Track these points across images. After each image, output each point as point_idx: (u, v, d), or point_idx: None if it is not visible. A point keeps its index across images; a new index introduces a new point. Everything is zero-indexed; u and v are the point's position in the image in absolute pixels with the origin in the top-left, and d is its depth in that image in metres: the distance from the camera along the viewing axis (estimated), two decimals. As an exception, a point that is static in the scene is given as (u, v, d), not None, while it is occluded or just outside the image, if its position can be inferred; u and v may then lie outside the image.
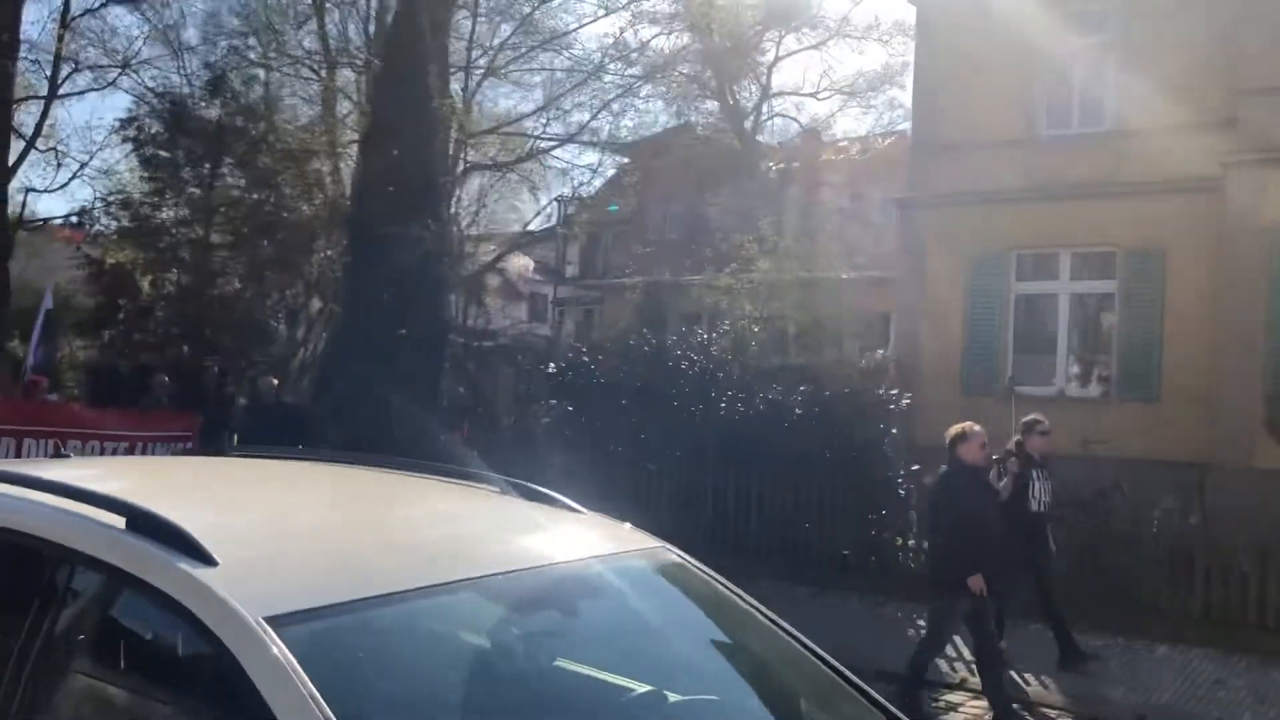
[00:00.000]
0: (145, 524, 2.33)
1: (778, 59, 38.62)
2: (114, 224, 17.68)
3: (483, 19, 23.79)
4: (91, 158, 20.04)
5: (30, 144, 20.15)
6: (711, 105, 38.88)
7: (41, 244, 21.01)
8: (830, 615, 9.89)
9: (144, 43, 20.37)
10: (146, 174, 17.51)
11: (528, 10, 23.53)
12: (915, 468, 11.37)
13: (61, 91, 20.05)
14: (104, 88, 19.59)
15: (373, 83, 16.52)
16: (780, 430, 11.18)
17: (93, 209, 18.52)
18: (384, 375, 13.79)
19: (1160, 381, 16.00)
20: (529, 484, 3.36)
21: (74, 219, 20.01)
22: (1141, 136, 15.55)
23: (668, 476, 11.88)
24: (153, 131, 17.04)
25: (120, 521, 2.37)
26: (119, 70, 19.84)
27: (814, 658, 2.93)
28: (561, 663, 2.61)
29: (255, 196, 16.82)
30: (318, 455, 4.06)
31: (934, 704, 7.55)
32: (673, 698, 2.78)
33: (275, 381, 14.02)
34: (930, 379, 17.59)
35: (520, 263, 56.64)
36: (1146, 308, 16.21)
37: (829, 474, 11.05)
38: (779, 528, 11.25)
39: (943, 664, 8.56)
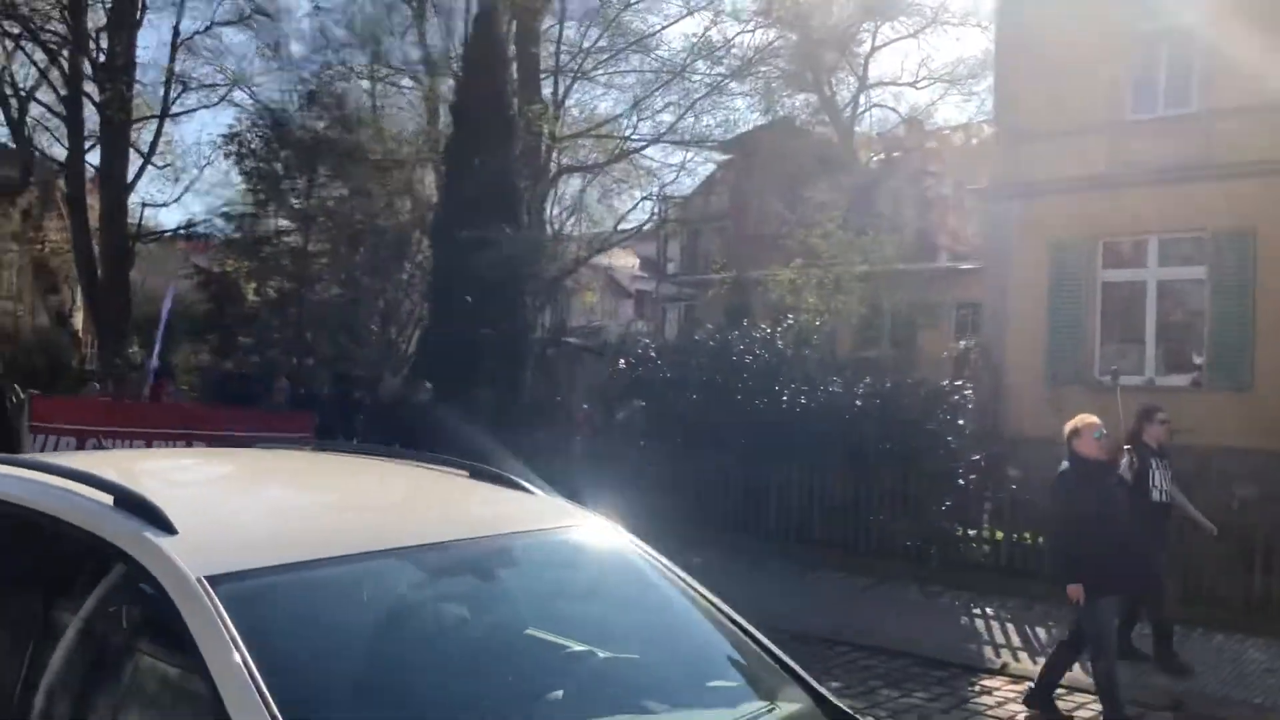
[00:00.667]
0: (128, 501, 2.79)
1: (874, 49, 38.34)
2: (221, 234, 18.78)
3: (571, 24, 24.34)
4: (200, 173, 21.28)
5: (147, 160, 21.47)
6: (809, 98, 38.86)
7: (159, 255, 22.31)
8: (886, 605, 10.08)
9: (250, 60, 21.56)
10: (249, 186, 18.55)
11: (614, 14, 23.97)
12: (976, 458, 11.44)
13: (174, 110, 21.34)
14: (214, 105, 20.82)
15: (454, 93, 17.17)
16: (840, 422, 11.38)
17: (201, 221, 19.67)
18: (468, 374, 14.37)
19: (1253, 368, 15.63)
20: (493, 469, 3.76)
21: (183, 231, 21.26)
22: (1230, 117, 15.25)
23: (732, 469, 12.18)
24: (253, 146, 18.04)
25: (109, 499, 2.84)
26: (227, 88, 21.01)
27: (731, 624, 3.24)
28: (484, 622, 3.00)
29: (350, 205, 17.65)
30: (336, 447, 4.54)
31: (970, 687, 7.71)
32: (600, 654, 3.15)
33: (396, 382, 14.33)
34: (1015, 369, 17.51)
35: (626, 261, 57.36)
36: (1237, 293, 15.86)
37: (889, 465, 11.21)
38: (840, 519, 11.45)
39: (986, 650, 8.70)
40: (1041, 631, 9.28)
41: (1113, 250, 17.41)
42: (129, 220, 21.81)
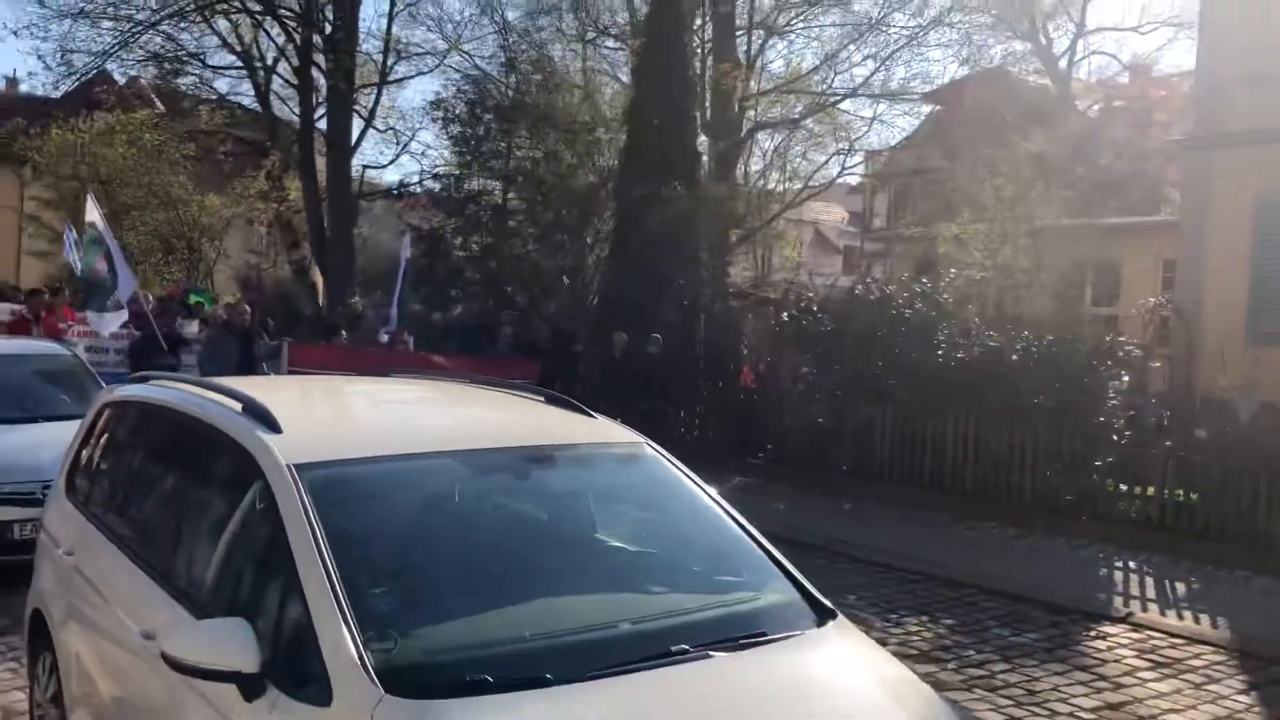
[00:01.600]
0: (251, 408, 3.65)
1: (1101, -12, 36.76)
2: (430, 194, 20.26)
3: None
4: (412, 137, 22.88)
5: (368, 124, 23.28)
6: (1023, 46, 37.61)
7: (380, 212, 24.16)
8: (1026, 555, 10.27)
9: (467, 25, 22.96)
10: (454, 149, 19.91)
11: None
12: (1156, 417, 11.32)
13: (391, 77, 23.01)
14: (429, 71, 22.39)
15: (633, 58, 17.87)
16: (996, 376, 11.52)
17: (413, 182, 21.24)
18: (645, 325, 15.11)
19: None
20: (562, 395, 4.46)
21: (395, 190, 22.93)
22: None
23: (888, 419, 12.50)
24: (457, 111, 19.32)
25: (239, 407, 3.71)
26: (440, 55, 22.46)
27: (743, 532, 3.83)
28: (522, 514, 3.72)
29: (544, 166, 18.72)
30: (456, 377, 5.37)
31: (1085, 632, 7.92)
32: (631, 548, 3.83)
33: (625, 337, 14.65)
34: (1212, 328, 16.86)
35: (836, 216, 56.99)
36: None
37: (1044, 420, 11.28)
38: (993, 471, 11.62)
39: (1116, 600, 8.83)
40: (1181, 586, 9.30)
41: (1323, 201, 16.45)
42: (353, 180, 23.68)
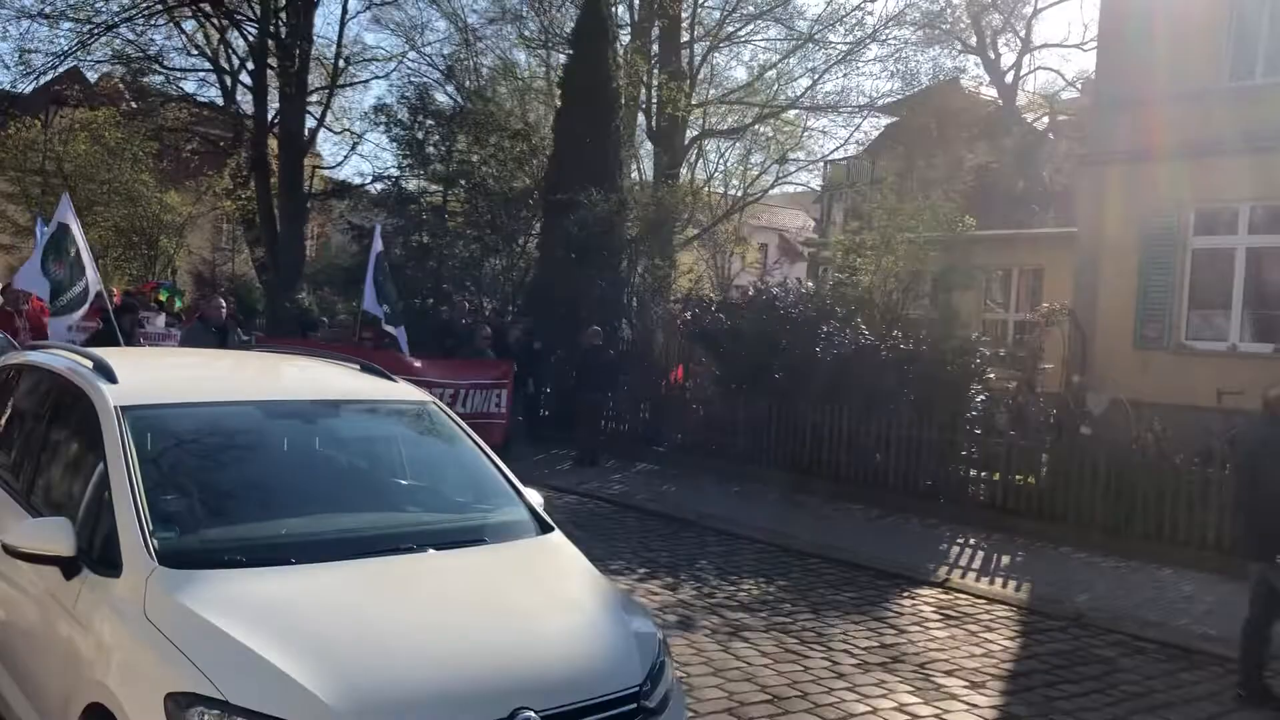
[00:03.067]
0: (99, 366, 4.62)
1: (1037, 11, 38.03)
2: (372, 193, 21.24)
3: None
4: (360, 138, 23.84)
5: (319, 126, 24.24)
6: (968, 60, 38.93)
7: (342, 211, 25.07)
8: (878, 532, 11.32)
9: (420, 31, 23.93)
10: (397, 151, 20.87)
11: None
12: (1026, 412, 12.37)
13: (341, 82, 23.96)
14: (384, 76, 23.37)
15: (562, 70, 18.89)
16: (867, 371, 12.55)
17: (357, 185, 22.21)
18: (569, 323, 16.09)
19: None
20: (374, 365, 5.45)
21: (339, 190, 23.84)
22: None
23: (773, 411, 13.53)
24: (399, 116, 20.27)
25: (90, 365, 4.68)
26: (397, 59, 23.44)
27: (494, 467, 4.82)
28: (308, 449, 4.71)
29: (481, 170, 19.69)
30: (300, 351, 6.34)
31: (900, 592, 8.93)
32: (402, 481, 4.82)
33: (598, 330, 15.17)
34: (1104, 332, 17.94)
35: (801, 222, 58.15)
36: (1322, 260, 15.91)
37: (907, 412, 12.32)
38: (861, 458, 12.66)
39: (941, 569, 9.85)
40: (1006, 558, 10.34)
41: (1203, 218, 17.56)
42: (304, 181, 24.59)
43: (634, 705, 3.67)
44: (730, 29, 26.47)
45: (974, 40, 38.52)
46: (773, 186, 28.74)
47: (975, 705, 6.19)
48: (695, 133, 27.95)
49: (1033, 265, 24.16)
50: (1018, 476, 11.63)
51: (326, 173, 26.30)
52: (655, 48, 26.03)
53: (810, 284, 13.91)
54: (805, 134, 28.68)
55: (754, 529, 11.07)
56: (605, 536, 10.44)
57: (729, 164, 29.25)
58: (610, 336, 16.34)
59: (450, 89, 20.83)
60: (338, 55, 23.93)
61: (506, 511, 4.65)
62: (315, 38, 24.37)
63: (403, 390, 5.20)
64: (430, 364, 13.27)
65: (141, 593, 3.63)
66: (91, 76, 30.80)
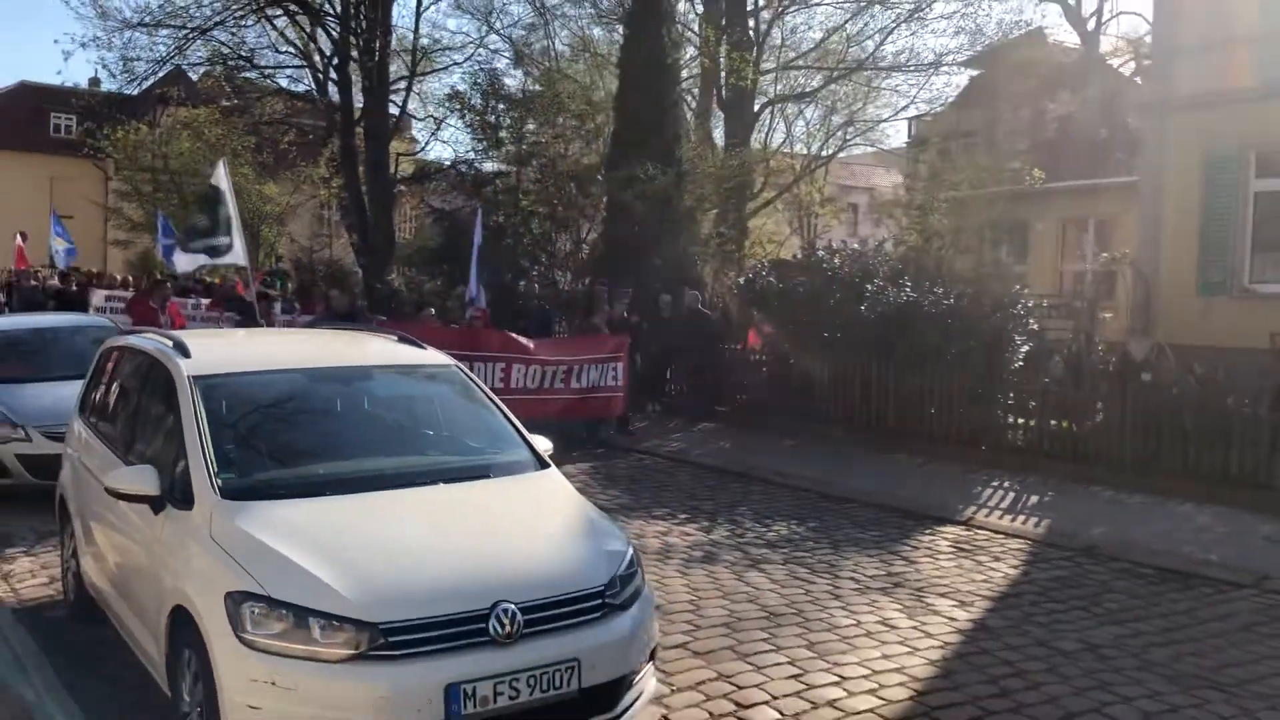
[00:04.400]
0: (176, 344, 5.65)
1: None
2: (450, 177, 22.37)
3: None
4: (439, 126, 24.99)
5: (401, 115, 25.39)
6: (1053, 9, 38.41)
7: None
8: (918, 478, 11.94)
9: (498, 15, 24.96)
10: (472, 136, 21.94)
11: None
12: (1082, 361, 12.83)
13: (420, 71, 25.11)
14: (447, 67, 24.49)
15: (620, 49, 19.65)
16: (910, 326, 13.13)
17: (436, 170, 23.36)
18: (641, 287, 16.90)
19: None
20: (409, 336, 6.38)
21: (420, 176, 25.04)
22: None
23: (822, 368, 14.20)
24: (472, 102, 21.30)
25: (171, 344, 5.71)
26: (463, 49, 24.47)
27: (505, 419, 5.72)
28: (356, 406, 5.67)
29: (551, 150, 20.63)
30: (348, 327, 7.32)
31: (922, 531, 9.61)
32: (425, 431, 5.76)
33: (668, 298, 15.68)
34: (1167, 281, 18.11)
35: (891, 180, 58.03)
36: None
37: (950, 364, 12.89)
38: (907, 409, 13.27)
39: (967, 509, 10.47)
40: (1034, 498, 10.90)
41: (1265, 160, 17.54)
42: (389, 167, 25.88)
43: (599, 601, 4.54)
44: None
45: (1055, -11, 38.09)
46: (840, 150, 28.95)
47: (954, 619, 6.90)
48: (766, 99, 28.43)
49: (1108, 214, 24.17)
50: (1053, 421, 12.13)
51: (414, 157, 27.44)
52: (723, 20, 26.56)
53: (887, 242, 14.38)
54: (876, 93, 28.83)
55: (799, 478, 11.80)
56: (656, 488, 11.32)
57: (799, 128, 29.60)
58: (675, 304, 17.06)
59: (519, 72, 21.70)
60: (415, 47, 25.09)
61: (511, 453, 5.55)
62: (396, 28, 25.58)
63: (430, 356, 6.12)
64: (543, 343, 13.80)
65: (208, 520, 4.62)
66: (194, 75, 32.62)
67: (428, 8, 24.90)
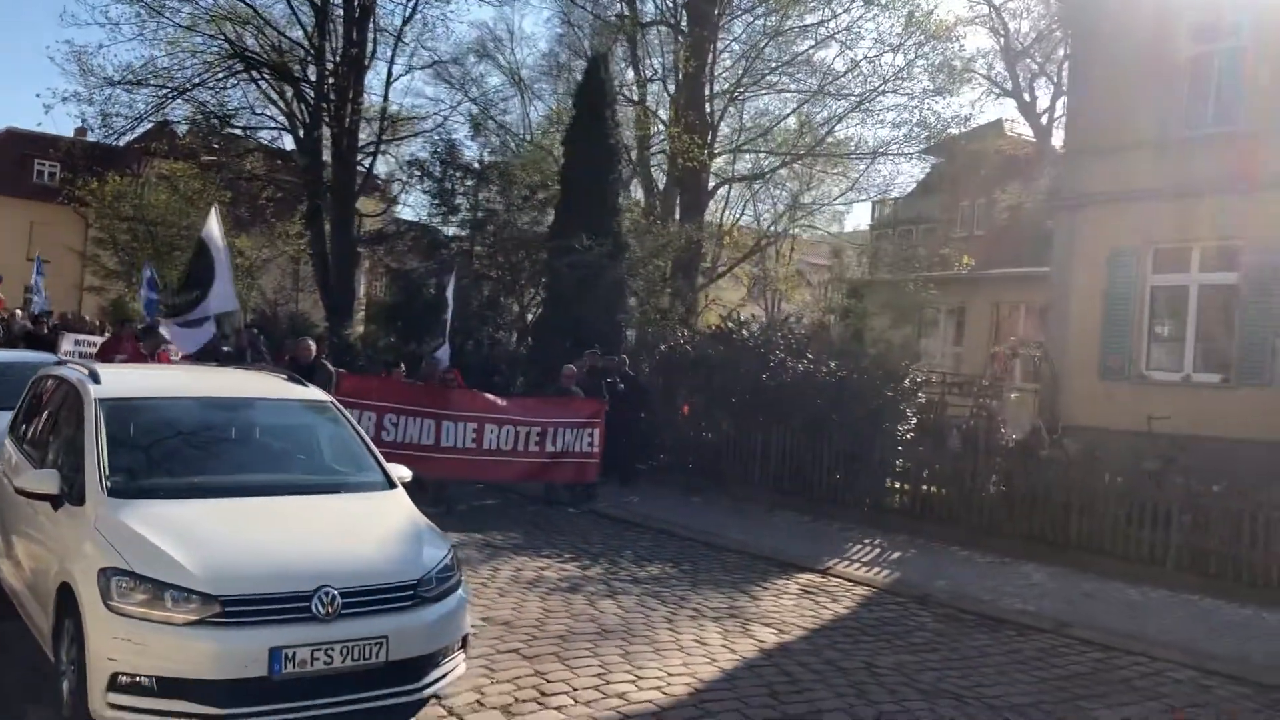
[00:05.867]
0: (91, 373, 6.71)
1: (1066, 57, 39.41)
2: (410, 240, 23.63)
3: (725, 55, 27.72)
4: (400, 191, 26.33)
5: (366, 178, 26.68)
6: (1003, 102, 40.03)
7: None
8: (802, 534, 12.96)
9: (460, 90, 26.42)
10: (430, 202, 23.21)
11: (763, 43, 27.16)
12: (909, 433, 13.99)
13: (385, 138, 26.51)
14: (408, 137, 25.90)
15: (566, 129, 21.03)
16: (807, 395, 14.26)
17: (393, 234, 24.67)
18: (570, 355, 17.97)
19: (1276, 368, 16.85)
20: (295, 375, 7.44)
21: (379, 237, 26.27)
22: (1270, 135, 16.52)
23: (731, 430, 15.28)
24: (431, 170, 22.59)
25: (88, 372, 6.76)
26: (433, 119, 25.87)
27: (367, 449, 6.76)
28: (237, 429, 6.71)
29: (502, 217, 21.88)
30: (249, 367, 8.38)
31: (782, 576, 10.59)
32: (294, 454, 6.80)
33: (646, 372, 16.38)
34: (1073, 365, 19.32)
35: (844, 260, 59.61)
36: (1266, 299, 17.10)
37: (840, 431, 13.99)
38: (799, 471, 14.36)
39: (831, 560, 11.48)
40: (897, 554, 11.93)
41: (1161, 257, 18.84)
42: (353, 227, 27.09)
43: (410, 592, 5.56)
44: (742, 87, 28.37)
45: (1010, 85, 40.01)
46: (787, 230, 30.25)
47: (763, 642, 7.91)
48: (721, 178, 29.87)
49: (1040, 300, 25.54)
50: (925, 487, 13.23)
51: (378, 217, 28.63)
52: (672, 105, 28.15)
53: (796, 318, 15.52)
54: (822, 178, 30.29)
55: (690, 529, 12.81)
56: (553, 531, 12.30)
57: (764, 205, 30.98)
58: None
59: (477, 142, 23.05)
60: (383, 114, 26.44)
61: (365, 475, 6.60)
62: (369, 95, 26.93)
63: (310, 392, 7.19)
64: (516, 402, 13.86)
65: (94, 513, 5.63)
66: (182, 129, 33.90)
67: (398, 79, 26.16)
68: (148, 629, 5.06)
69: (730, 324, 16.14)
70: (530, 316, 21.38)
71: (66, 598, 5.43)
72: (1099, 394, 18.36)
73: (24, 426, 7.70)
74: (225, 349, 14.43)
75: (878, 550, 12.16)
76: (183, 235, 32.34)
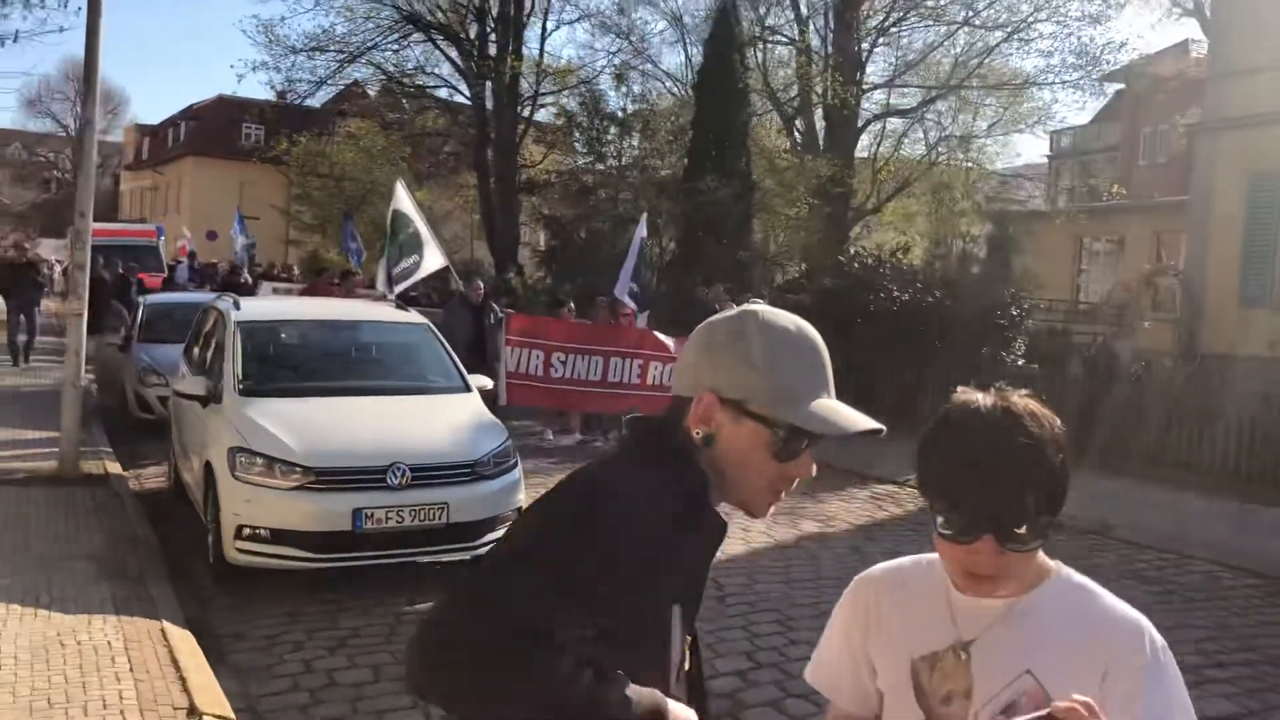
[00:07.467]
0: (235, 303, 8.36)
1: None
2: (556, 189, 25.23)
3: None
4: (550, 149, 27.88)
5: (525, 130, 28.42)
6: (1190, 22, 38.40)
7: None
8: (890, 452, 13.75)
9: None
10: (580, 150, 24.62)
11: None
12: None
13: (542, 90, 28.11)
14: (567, 89, 27.39)
15: (696, 74, 21.95)
16: (911, 325, 14.99)
17: (544, 182, 26.28)
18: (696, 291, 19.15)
19: None
20: (402, 304, 8.93)
21: (539, 185, 27.92)
22: None
23: (845, 352, 16.11)
24: (579, 120, 23.96)
25: (232, 302, 8.43)
26: (583, 72, 27.31)
27: (453, 364, 8.17)
28: (357, 346, 8.27)
29: (644, 162, 23.13)
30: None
31: (849, 485, 11.55)
32: (391, 363, 8.31)
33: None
34: (1212, 291, 19.22)
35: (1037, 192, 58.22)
36: None
37: (944, 358, 14.67)
38: (904, 391, 15.09)
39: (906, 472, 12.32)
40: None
41: (1303, 181, 18.43)
42: (516, 177, 28.88)
43: (469, 469, 6.94)
44: (891, 21, 28.42)
45: (1191, 4, 38.23)
46: (945, 161, 29.78)
47: (803, 532, 8.97)
48: (871, 115, 30.04)
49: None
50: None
51: (539, 167, 30.28)
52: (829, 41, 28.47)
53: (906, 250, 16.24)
54: (978, 109, 29.94)
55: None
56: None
57: (897, 146, 30.94)
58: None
59: (620, 92, 24.32)
60: (539, 69, 27.97)
61: (448, 380, 8.02)
62: (528, 49, 28.54)
63: (408, 316, 8.67)
64: (681, 341, 13.77)
65: (228, 408, 7.23)
66: (372, 90, 36.52)
67: (551, 33, 27.65)
68: (262, 492, 6.60)
69: (844, 258, 16.91)
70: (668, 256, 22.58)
71: (209, 473, 7.05)
72: (1238, 321, 18.23)
73: (193, 350, 9.48)
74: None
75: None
76: (369, 190, 34.92)
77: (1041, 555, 1.68)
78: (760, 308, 1.69)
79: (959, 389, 1.71)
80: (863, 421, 1.66)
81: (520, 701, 1.36)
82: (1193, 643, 6.59)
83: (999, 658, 1.63)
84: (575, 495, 1.54)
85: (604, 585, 1.42)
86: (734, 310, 1.71)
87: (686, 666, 1.69)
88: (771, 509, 1.70)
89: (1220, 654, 6.45)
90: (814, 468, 1.67)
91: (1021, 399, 1.65)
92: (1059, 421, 1.64)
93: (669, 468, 1.57)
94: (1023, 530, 1.57)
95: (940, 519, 1.61)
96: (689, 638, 1.71)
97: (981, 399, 1.65)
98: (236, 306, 8.23)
